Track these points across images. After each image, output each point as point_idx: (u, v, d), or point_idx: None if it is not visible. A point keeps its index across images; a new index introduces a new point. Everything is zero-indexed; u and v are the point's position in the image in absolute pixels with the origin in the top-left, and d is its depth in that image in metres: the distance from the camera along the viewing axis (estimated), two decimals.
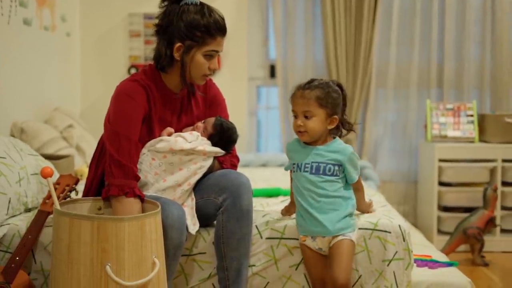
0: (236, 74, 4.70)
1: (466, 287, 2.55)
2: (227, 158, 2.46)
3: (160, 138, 2.34)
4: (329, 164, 2.25)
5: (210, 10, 2.29)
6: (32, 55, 3.69)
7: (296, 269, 2.41)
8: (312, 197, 2.25)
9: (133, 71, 4.57)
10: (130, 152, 2.22)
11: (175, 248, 2.18)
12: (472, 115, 4.30)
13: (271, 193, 3.09)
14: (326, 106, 2.24)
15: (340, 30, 4.56)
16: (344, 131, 2.37)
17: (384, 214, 2.58)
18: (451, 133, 4.29)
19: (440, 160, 4.20)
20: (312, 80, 2.29)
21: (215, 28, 2.27)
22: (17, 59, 3.48)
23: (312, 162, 2.26)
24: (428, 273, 2.64)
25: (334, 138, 2.34)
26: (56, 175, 2.74)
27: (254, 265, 2.42)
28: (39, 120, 3.77)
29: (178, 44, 2.28)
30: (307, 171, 2.26)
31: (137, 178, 2.24)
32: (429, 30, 4.68)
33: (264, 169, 4.20)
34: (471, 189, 4.19)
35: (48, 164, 2.85)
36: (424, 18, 4.69)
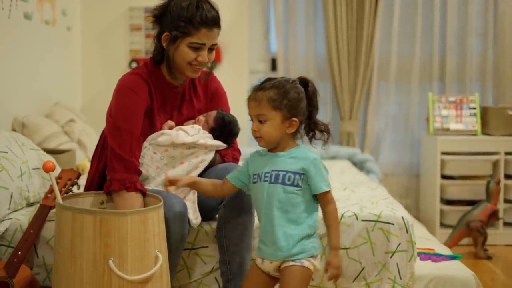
0: (237, 67, 4.68)
1: (470, 281, 2.54)
2: (229, 152, 2.45)
3: (162, 131, 2.33)
4: (289, 172, 1.99)
5: (201, 1, 2.24)
6: (32, 50, 3.68)
7: None
8: (268, 211, 2.01)
9: (134, 65, 4.56)
10: (131, 146, 2.21)
11: (177, 242, 2.17)
12: (474, 108, 4.29)
13: None
14: (280, 108, 1.99)
15: (341, 23, 4.55)
16: (318, 134, 2.08)
17: (387, 206, 2.58)
18: (453, 126, 4.28)
19: (443, 153, 4.19)
20: (268, 80, 2.06)
21: (199, 20, 2.21)
22: (18, 53, 3.47)
23: (272, 171, 2.01)
24: (431, 266, 2.63)
25: (301, 142, 2.09)
26: (57, 170, 2.73)
27: None
28: (40, 114, 3.76)
29: (165, 34, 2.27)
30: (266, 181, 2.01)
31: (139, 172, 2.23)
32: (431, 23, 4.67)
33: None
34: (474, 182, 4.18)
35: (50, 158, 2.84)
36: (426, 11, 4.68)
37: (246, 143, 4.53)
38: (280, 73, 4.64)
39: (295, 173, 1.99)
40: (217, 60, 4.50)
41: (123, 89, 2.26)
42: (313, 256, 2.02)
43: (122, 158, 2.19)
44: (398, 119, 4.81)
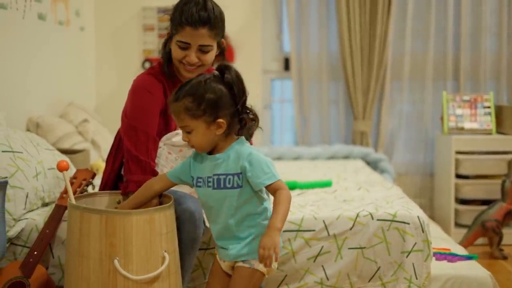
0: (250, 67, 4.68)
1: (487, 281, 2.53)
2: None
3: (176, 131, 2.33)
4: (229, 175, 1.93)
5: (194, 1, 2.19)
6: (46, 50, 3.70)
7: (314, 261, 2.40)
8: (217, 214, 1.98)
9: (147, 65, 4.57)
10: (148, 147, 2.22)
11: (192, 241, 2.17)
12: (489, 107, 4.26)
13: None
14: (200, 115, 1.90)
15: (354, 22, 4.53)
16: (250, 122, 2.02)
17: (402, 205, 2.56)
18: (468, 125, 4.25)
19: (457, 152, 4.16)
20: (181, 86, 1.96)
21: (184, 19, 2.17)
22: (32, 54, 3.49)
23: (214, 175, 1.95)
24: (447, 266, 2.61)
25: (238, 138, 1.99)
26: (72, 170, 2.74)
27: None
28: (54, 115, 3.77)
29: (168, 32, 2.29)
30: (210, 186, 1.96)
31: (155, 174, 2.23)
32: (444, 21, 4.64)
33: (279, 163, 4.18)
34: (489, 182, 4.15)
35: (64, 158, 2.85)
36: (440, 9, 4.65)
37: (258, 143, 4.53)
38: (293, 73, 4.64)
39: (233, 174, 1.93)
40: (231, 60, 4.50)
41: (139, 89, 2.26)
42: None
43: (139, 159, 2.19)
44: (412, 118, 4.78)
